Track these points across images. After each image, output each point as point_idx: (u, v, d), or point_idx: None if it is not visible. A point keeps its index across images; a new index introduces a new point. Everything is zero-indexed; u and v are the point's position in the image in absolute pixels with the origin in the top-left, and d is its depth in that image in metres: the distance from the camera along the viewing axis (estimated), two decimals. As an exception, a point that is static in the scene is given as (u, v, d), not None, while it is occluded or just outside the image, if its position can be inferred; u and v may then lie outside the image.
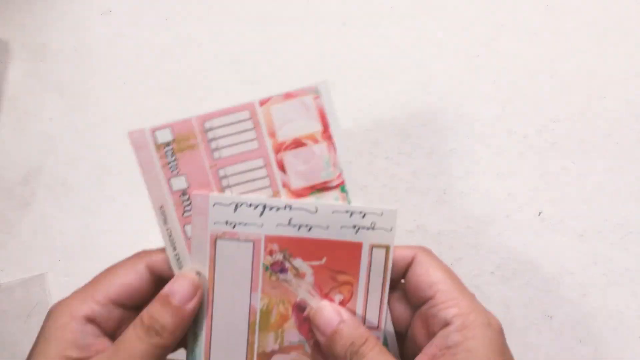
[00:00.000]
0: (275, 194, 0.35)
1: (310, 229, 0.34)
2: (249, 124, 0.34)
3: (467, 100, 0.51)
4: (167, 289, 0.34)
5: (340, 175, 0.35)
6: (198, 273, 0.35)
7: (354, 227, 0.35)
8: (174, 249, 0.35)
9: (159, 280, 0.35)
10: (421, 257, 0.35)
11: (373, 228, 0.35)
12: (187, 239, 0.35)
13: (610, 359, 0.48)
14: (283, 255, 0.35)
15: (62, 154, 0.52)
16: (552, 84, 0.51)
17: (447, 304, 0.33)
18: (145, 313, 0.33)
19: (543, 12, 0.51)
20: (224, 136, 0.34)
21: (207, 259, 0.35)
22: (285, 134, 0.34)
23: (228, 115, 0.34)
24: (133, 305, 0.35)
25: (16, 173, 0.52)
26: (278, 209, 0.34)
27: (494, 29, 0.51)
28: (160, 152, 0.34)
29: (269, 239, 0.35)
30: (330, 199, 0.35)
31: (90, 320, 0.33)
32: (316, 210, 0.34)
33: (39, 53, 0.52)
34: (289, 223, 0.35)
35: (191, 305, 0.34)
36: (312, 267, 0.35)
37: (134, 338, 0.33)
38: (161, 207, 0.35)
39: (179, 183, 0.35)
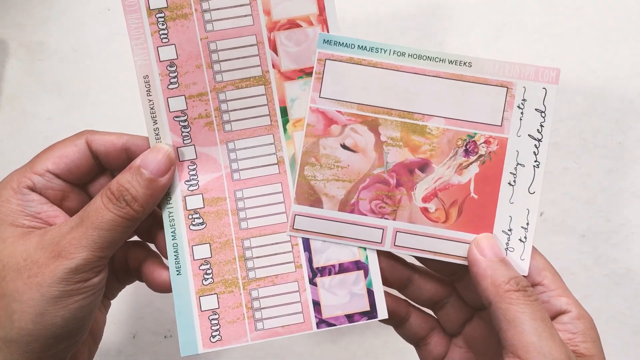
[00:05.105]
0: (265, 73, 0.34)
1: None
2: None
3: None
4: (139, 160, 0.33)
5: None
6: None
7: None
8: (155, 122, 0.34)
9: (99, 160, 0.35)
10: None
11: None
12: (170, 112, 0.34)
13: (612, 360, 0.48)
14: None
15: (60, 153, 0.52)
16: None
17: (558, 292, 0.34)
18: (114, 182, 0.33)
19: (544, 11, 0.51)
20: (218, 8, 0.34)
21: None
22: (281, 13, 0.34)
23: None
24: (74, 179, 0.34)
25: (14, 173, 0.51)
26: None
27: (495, 29, 0.51)
28: (152, 18, 0.34)
29: None
30: None
31: (32, 189, 0.33)
32: None
33: (37, 52, 0.52)
34: None
35: (165, 179, 0.33)
36: None
37: (101, 207, 0.32)
38: (146, 76, 0.34)
39: (168, 53, 0.34)
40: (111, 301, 0.39)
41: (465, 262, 0.35)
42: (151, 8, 0.34)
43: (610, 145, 0.50)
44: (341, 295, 0.35)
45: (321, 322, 0.35)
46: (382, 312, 0.35)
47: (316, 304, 0.35)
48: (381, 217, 0.35)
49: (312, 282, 0.35)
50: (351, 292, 0.35)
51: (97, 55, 0.52)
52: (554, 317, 0.34)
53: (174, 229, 0.35)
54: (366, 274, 0.35)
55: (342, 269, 0.35)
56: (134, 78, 0.53)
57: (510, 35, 0.51)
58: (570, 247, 0.49)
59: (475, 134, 0.35)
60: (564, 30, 0.51)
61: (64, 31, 0.52)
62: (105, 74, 0.52)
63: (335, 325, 0.35)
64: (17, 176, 0.33)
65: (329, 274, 0.35)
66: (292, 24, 0.34)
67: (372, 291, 0.35)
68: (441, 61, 0.34)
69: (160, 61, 0.34)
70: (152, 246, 0.38)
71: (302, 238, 0.35)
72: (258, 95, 0.35)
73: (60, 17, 0.52)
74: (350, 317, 0.35)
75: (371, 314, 0.35)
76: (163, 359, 0.50)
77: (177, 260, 0.35)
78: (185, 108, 0.34)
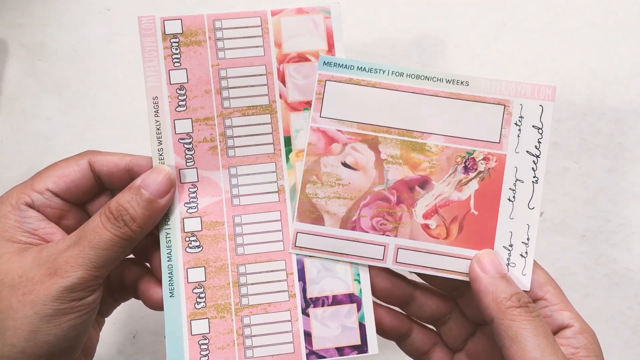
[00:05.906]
0: (272, 102, 0.35)
1: None
2: (257, 31, 0.35)
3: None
4: (139, 180, 0.33)
5: None
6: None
7: None
8: (160, 142, 0.35)
9: (101, 180, 0.35)
10: None
11: None
12: (175, 134, 0.35)
13: (612, 360, 0.48)
14: None
15: (60, 153, 0.51)
16: (553, 84, 0.50)
17: (560, 306, 0.34)
18: (113, 202, 0.32)
19: (544, 11, 0.51)
20: (231, 38, 0.35)
21: None
22: (291, 47, 0.35)
23: (239, 19, 0.35)
24: (73, 199, 0.34)
25: (14, 173, 0.51)
26: None
27: (495, 29, 0.51)
28: (166, 42, 0.35)
29: None
30: None
31: (31, 206, 0.33)
32: None
33: (37, 52, 0.52)
34: None
35: (164, 200, 0.33)
36: None
37: (99, 226, 0.32)
38: (155, 97, 0.35)
39: (179, 76, 0.35)
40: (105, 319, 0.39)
41: (466, 278, 0.35)
42: (166, 33, 0.35)
43: (610, 145, 0.50)
44: (333, 327, 0.35)
45: (311, 354, 0.34)
46: (373, 347, 0.35)
47: (307, 335, 0.35)
48: (382, 234, 0.35)
49: (305, 313, 0.35)
50: (343, 324, 0.35)
51: (97, 55, 0.52)
52: (556, 332, 0.34)
53: (169, 251, 0.35)
54: (359, 308, 0.35)
55: (336, 301, 0.35)
56: (134, 78, 0.53)
57: (510, 35, 0.51)
58: (570, 247, 0.49)
59: (474, 150, 0.35)
60: (564, 30, 0.51)
61: (64, 31, 0.52)
62: (105, 74, 0.52)
63: (325, 357, 0.34)
64: (16, 192, 0.33)
65: (322, 305, 0.35)
66: (302, 58, 0.35)
67: (364, 325, 0.35)
68: (439, 80, 0.35)
69: (170, 84, 0.35)
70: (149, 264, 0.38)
71: (298, 268, 0.35)
72: (263, 124, 0.35)
73: (60, 17, 0.52)
74: (340, 350, 0.34)
75: (361, 348, 0.35)
76: (163, 359, 0.50)
77: (171, 282, 0.34)
78: (191, 131, 0.35)
